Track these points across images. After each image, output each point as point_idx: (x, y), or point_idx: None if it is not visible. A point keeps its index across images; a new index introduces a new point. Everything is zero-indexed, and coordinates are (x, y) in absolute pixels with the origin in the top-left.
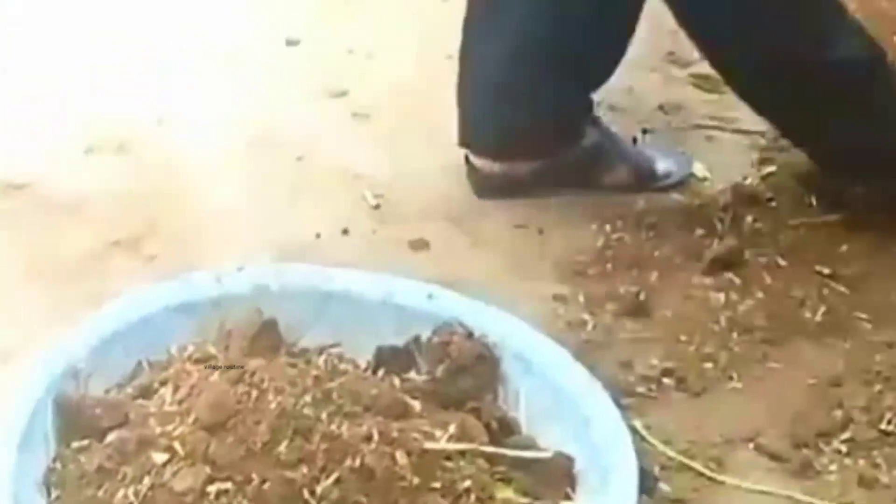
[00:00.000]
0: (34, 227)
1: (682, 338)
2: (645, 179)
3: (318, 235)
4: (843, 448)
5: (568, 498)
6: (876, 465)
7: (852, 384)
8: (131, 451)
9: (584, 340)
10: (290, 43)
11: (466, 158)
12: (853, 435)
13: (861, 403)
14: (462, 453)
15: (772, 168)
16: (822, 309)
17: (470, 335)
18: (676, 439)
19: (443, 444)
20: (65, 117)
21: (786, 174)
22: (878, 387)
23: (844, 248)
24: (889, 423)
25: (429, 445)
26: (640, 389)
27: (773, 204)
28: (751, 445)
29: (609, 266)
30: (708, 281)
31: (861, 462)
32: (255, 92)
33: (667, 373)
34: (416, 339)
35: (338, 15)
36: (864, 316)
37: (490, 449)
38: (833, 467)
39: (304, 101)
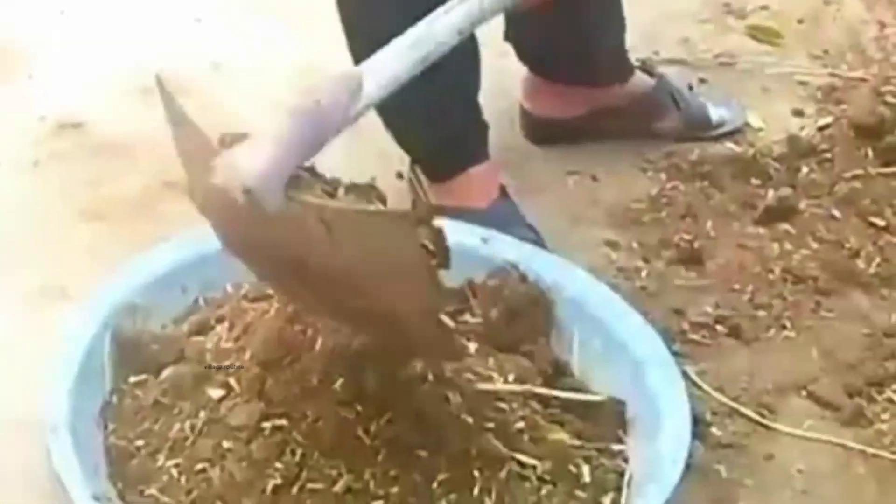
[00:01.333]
0: (89, 167)
1: (736, 286)
2: (697, 127)
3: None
4: None
5: (620, 441)
6: None
7: None
8: (187, 387)
9: (638, 287)
10: None
11: (520, 105)
12: None
13: None
14: (515, 395)
15: (828, 119)
16: (877, 260)
17: (524, 279)
18: (729, 386)
19: (497, 386)
20: (122, 58)
21: (842, 126)
22: None
23: None
24: None
25: (482, 387)
26: (694, 337)
27: (829, 155)
28: (803, 393)
29: (663, 214)
30: (762, 231)
31: None
32: (312, 36)
33: (720, 320)
34: (471, 282)
35: None
36: None
37: (543, 391)
38: (885, 416)
39: None
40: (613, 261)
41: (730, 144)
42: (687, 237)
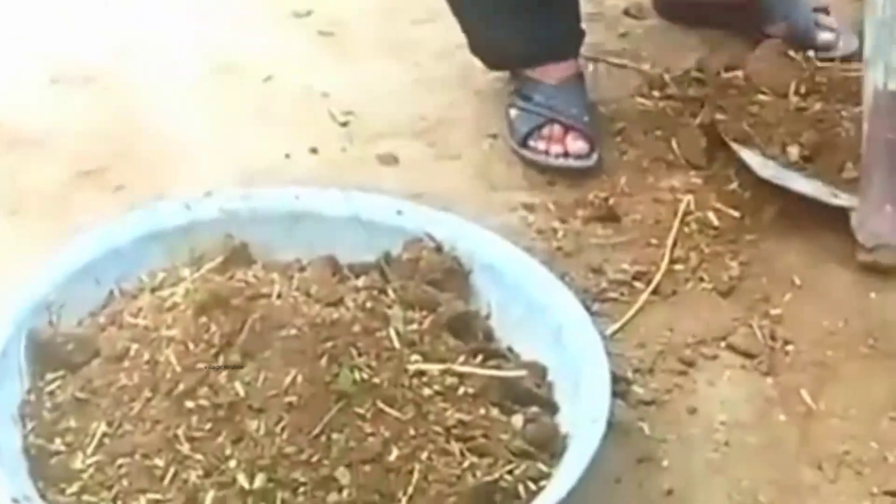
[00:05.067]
0: (3, 161)
1: (653, 241)
2: (801, 41)
3: (287, 156)
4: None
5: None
6: None
7: None
8: (103, 384)
9: (555, 248)
10: None
11: None
12: None
13: None
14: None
15: None
16: None
17: (439, 249)
18: (649, 342)
19: (419, 366)
20: (29, 49)
21: None
22: None
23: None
24: None
25: (410, 368)
26: (612, 294)
27: None
28: (723, 345)
29: (578, 173)
30: (676, 183)
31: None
32: (219, 15)
33: (638, 276)
34: (387, 255)
35: None
36: None
37: (465, 369)
38: (803, 363)
39: (269, 22)
40: (530, 223)
41: (640, 99)
42: (602, 195)
